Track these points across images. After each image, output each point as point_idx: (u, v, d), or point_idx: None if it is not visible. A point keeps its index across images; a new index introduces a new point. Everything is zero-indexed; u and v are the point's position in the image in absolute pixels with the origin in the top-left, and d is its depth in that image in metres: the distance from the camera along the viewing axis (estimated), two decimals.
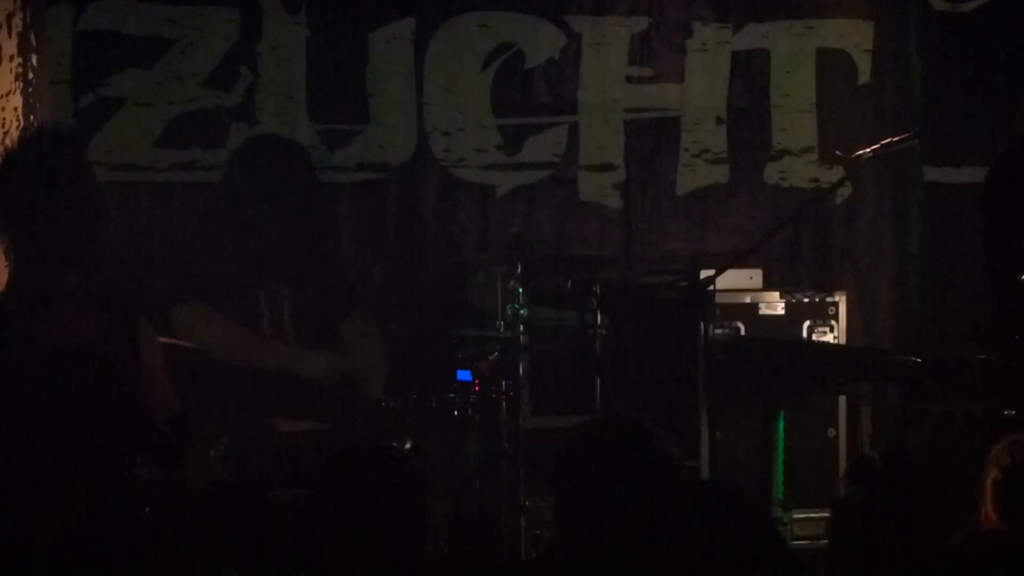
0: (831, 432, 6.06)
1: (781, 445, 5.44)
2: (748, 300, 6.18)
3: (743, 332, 6.10)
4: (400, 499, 3.21)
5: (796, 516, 5.66)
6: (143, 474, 4.03)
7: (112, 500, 3.80)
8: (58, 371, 3.78)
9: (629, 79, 6.85)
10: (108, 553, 3.72)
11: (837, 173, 6.59)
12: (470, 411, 5.56)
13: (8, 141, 4.99)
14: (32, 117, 5.07)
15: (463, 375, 5.67)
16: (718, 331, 5.94)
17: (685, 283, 5.84)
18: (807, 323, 6.19)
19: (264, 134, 6.29)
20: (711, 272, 5.51)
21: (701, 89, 6.90)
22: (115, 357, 3.88)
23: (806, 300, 6.21)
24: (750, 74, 6.92)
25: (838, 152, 5.56)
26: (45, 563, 3.66)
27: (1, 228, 3.84)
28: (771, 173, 6.94)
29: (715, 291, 5.70)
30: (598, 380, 5.76)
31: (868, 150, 5.41)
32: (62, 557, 3.68)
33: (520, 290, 5.57)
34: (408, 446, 5.31)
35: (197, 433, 4.12)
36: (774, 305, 6.19)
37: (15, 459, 3.71)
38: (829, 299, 6.24)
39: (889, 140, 5.43)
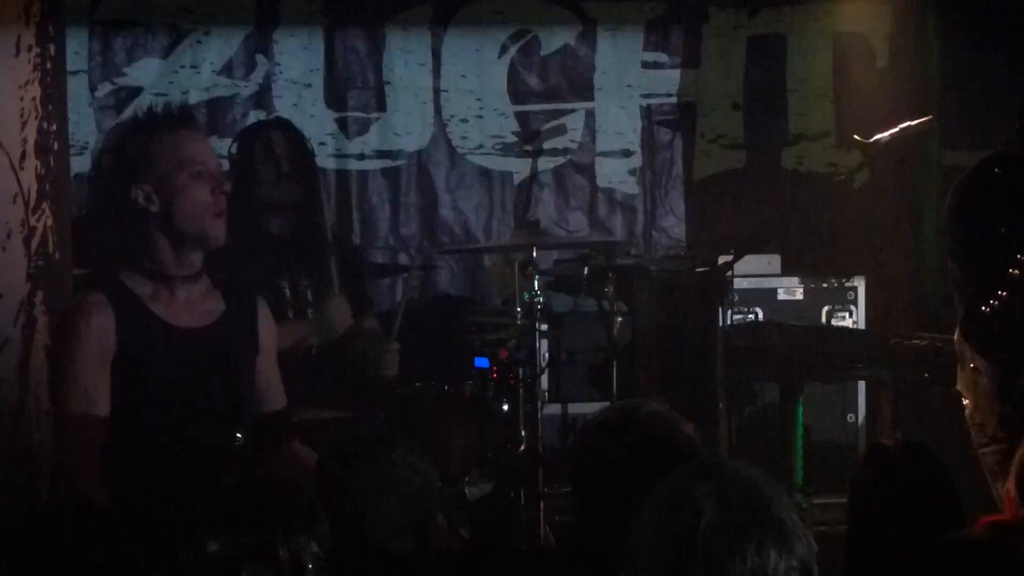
0: (850, 417, 6.04)
1: (800, 431, 5.41)
2: (766, 285, 6.15)
3: (761, 317, 6.07)
4: (402, 487, 3.22)
5: (816, 502, 5.64)
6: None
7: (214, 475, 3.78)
8: (186, 350, 3.79)
9: (645, 65, 6.83)
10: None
11: (855, 158, 6.58)
12: (488, 398, 5.53)
13: (28, 130, 4.98)
14: (50, 107, 5.05)
15: (480, 362, 5.64)
16: (736, 317, 5.93)
17: (703, 269, 5.85)
18: (826, 308, 6.16)
19: (261, 120, 6.23)
20: (729, 258, 5.49)
21: (717, 74, 6.88)
22: (236, 339, 3.89)
23: (824, 285, 6.18)
24: (767, 59, 6.89)
25: (856, 136, 5.52)
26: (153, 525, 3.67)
27: (129, 209, 3.82)
28: (788, 158, 6.92)
29: (733, 276, 5.69)
30: (615, 366, 5.72)
31: (886, 134, 5.36)
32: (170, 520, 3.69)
33: (537, 277, 5.53)
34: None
35: (292, 428, 4.13)
36: (793, 290, 6.17)
37: (144, 430, 3.73)
38: (848, 284, 6.21)
39: (907, 124, 5.38)
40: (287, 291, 5.42)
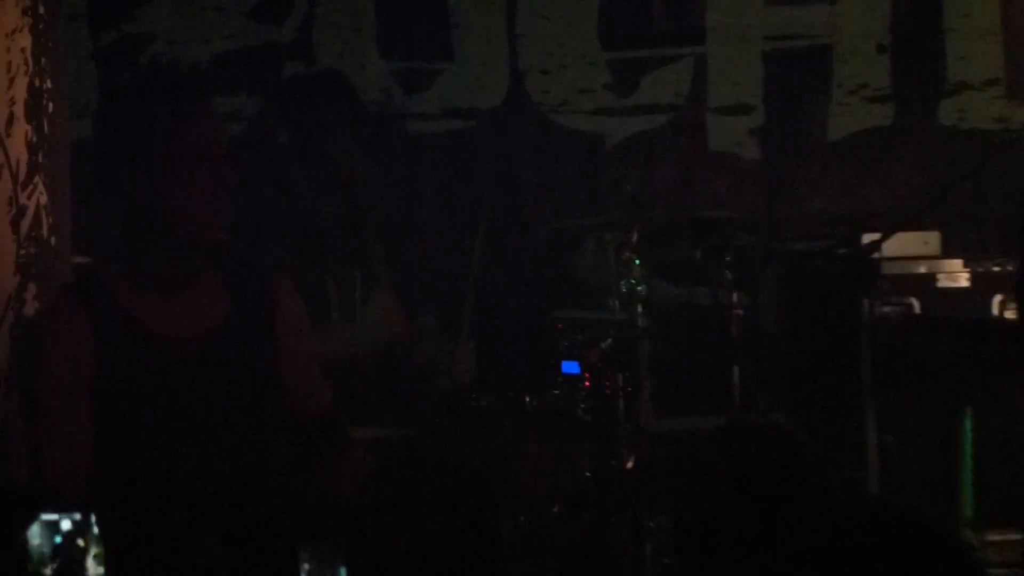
0: None
1: (969, 451, 5.35)
2: (923, 270, 6.07)
3: (917, 310, 5.99)
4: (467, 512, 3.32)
5: (990, 539, 5.56)
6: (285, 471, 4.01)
7: (245, 499, 3.80)
8: (179, 364, 3.77)
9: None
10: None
11: None
12: (579, 411, 5.50)
13: (16, 88, 5.00)
14: (44, 60, 5.06)
15: (569, 367, 5.65)
16: (886, 309, 5.85)
17: (843, 250, 5.80)
18: (998, 297, 6.06)
19: (305, 72, 6.28)
20: (875, 236, 5.43)
21: (858, 9, 6.84)
22: (246, 343, 3.87)
23: (996, 269, 6.08)
24: None
25: None
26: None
27: (116, 195, 3.79)
28: (947, 112, 6.84)
29: (881, 259, 5.63)
30: (735, 372, 5.70)
31: None
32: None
33: (637, 262, 5.54)
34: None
35: (347, 434, 4.12)
36: (956, 276, 6.08)
37: (140, 463, 3.74)
38: None
39: None
40: (330, 288, 5.41)
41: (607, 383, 5.54)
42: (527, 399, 5.53)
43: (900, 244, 5.92)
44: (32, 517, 2.76)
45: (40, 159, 4.98)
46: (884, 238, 5.54)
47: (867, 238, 5.73)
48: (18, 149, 4.95)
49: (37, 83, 5.02)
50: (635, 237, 5.61)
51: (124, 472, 3.73)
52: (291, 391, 3.95)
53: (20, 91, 4.97)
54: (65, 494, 3.68)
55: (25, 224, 4.95)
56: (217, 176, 3.77)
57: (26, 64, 4.99)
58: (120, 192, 3.79)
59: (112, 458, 3.73)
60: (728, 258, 5.77)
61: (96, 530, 2.77)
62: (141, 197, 3.77)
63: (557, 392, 5.57)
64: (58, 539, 2.74)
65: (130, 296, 3.81)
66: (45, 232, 4.99)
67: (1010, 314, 6.02)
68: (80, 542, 2.76)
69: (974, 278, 6.09)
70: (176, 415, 3.76)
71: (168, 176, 3.75)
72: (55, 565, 2.74)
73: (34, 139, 4.99)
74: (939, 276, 6.08)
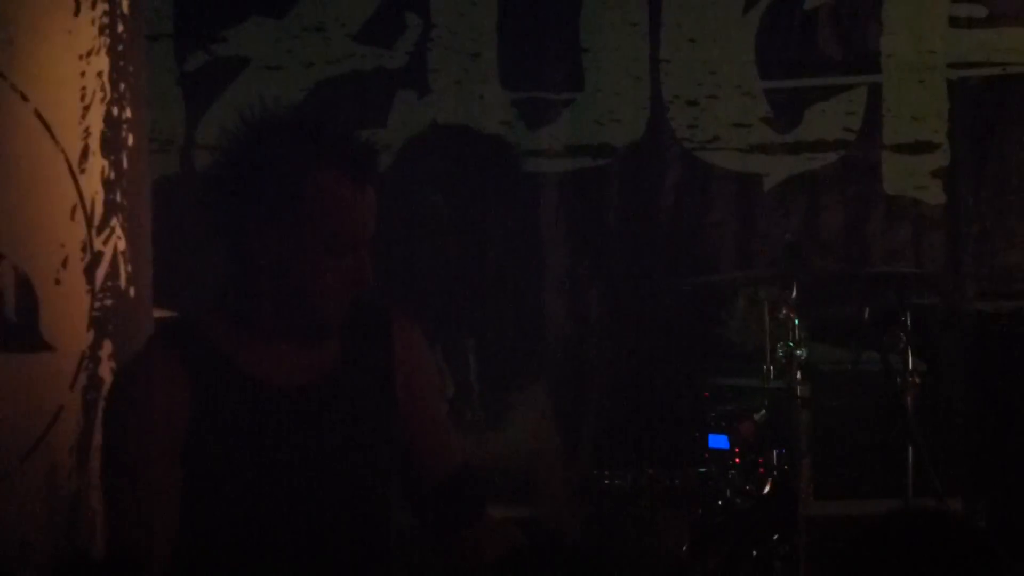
0: None
1: None
2: None
3: None
4: None
5: None
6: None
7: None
8: (287, 418, 3.81)
9: (954, 22, 6.80)
10: None
11: None
12: (728, 492, 5.52)
13: (91, 118, 5.08)
14: (123, 85, 5.13)
15: (717, 441, 5.64)
16: None
17: None
18: None
19: (443, 124, 6.33)
20: None
21: None
22: (362, 391, 3.89)
23: None
24: None
25: None
26: None
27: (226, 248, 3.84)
28: None
29: None
30: (910, 450, 5.66)
31: None
32: None
33: (797, 321, 5.55)
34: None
35: (482, 500, 4.11)
36: None
37: (237, 529, 3.78)
38: None
39: None
40: (440, 358, 5.46)
41: (760, 460, 5.56)
42: (668, 478, 5.57)
43: None
44: None
45: (118, 198, 5.02)
46: None
47: None
48: (93, 187, 4.99)
49: (115, 112, 5.06)
50: (794, 293, 5.63)
51: (218, 541, 3.77)
52: (416, 446, 3.97)
53: (96, 121, 5.01)
54: (149, 566, 3.75)
55: (100, 273, 5.01)
56: (347, 265, 3.82)
57: (103, 90, 5.04)
58: (241, 256, 3.83)
59: (205, 525, 3.77)
60: (903, 319, 5.75)
61: None
62: (266, 269, 3.81)
63: (703, 470, 5.57)
64: None
65: (230, 340, 3.84)
66: (123, 282, 5.04)
67: None
68: None
69: None
70: (282, 476, 3.81)
71: (289, 251, 3.82)
72: None
73: (111, 176, 5.04)
74: None
